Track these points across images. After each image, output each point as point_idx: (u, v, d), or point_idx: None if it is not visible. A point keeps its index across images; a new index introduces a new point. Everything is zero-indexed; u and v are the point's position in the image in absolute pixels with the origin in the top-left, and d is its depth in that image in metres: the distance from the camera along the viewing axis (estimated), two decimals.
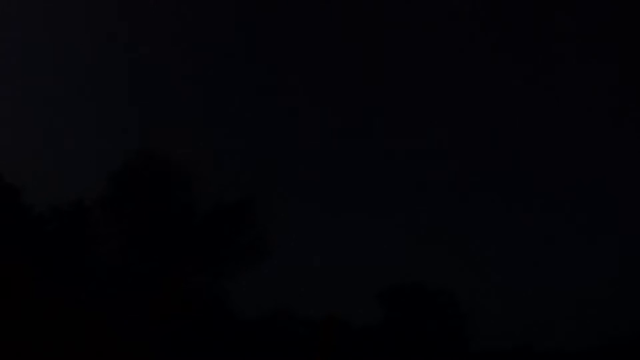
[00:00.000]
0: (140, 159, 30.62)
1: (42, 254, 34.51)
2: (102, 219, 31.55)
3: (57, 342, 12.97)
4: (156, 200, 30.70)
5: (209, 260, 30.91)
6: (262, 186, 31.82)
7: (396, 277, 38.01)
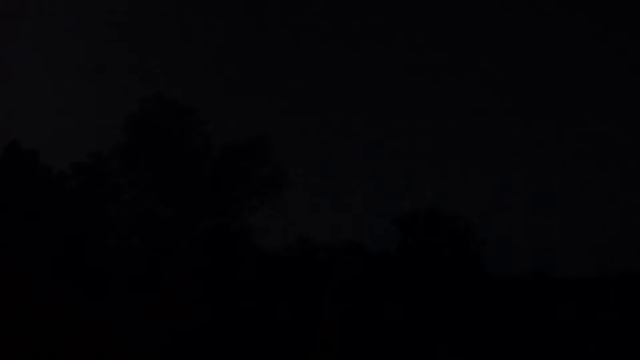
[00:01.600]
0: (153, 104, 31.42)
1: (64, 211, 35.77)
2: (121, 168, 32.56)
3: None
4: (171, 144, 31.61)
5: (228, 200, 31.82)
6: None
7: (413, 202, 38.55)
